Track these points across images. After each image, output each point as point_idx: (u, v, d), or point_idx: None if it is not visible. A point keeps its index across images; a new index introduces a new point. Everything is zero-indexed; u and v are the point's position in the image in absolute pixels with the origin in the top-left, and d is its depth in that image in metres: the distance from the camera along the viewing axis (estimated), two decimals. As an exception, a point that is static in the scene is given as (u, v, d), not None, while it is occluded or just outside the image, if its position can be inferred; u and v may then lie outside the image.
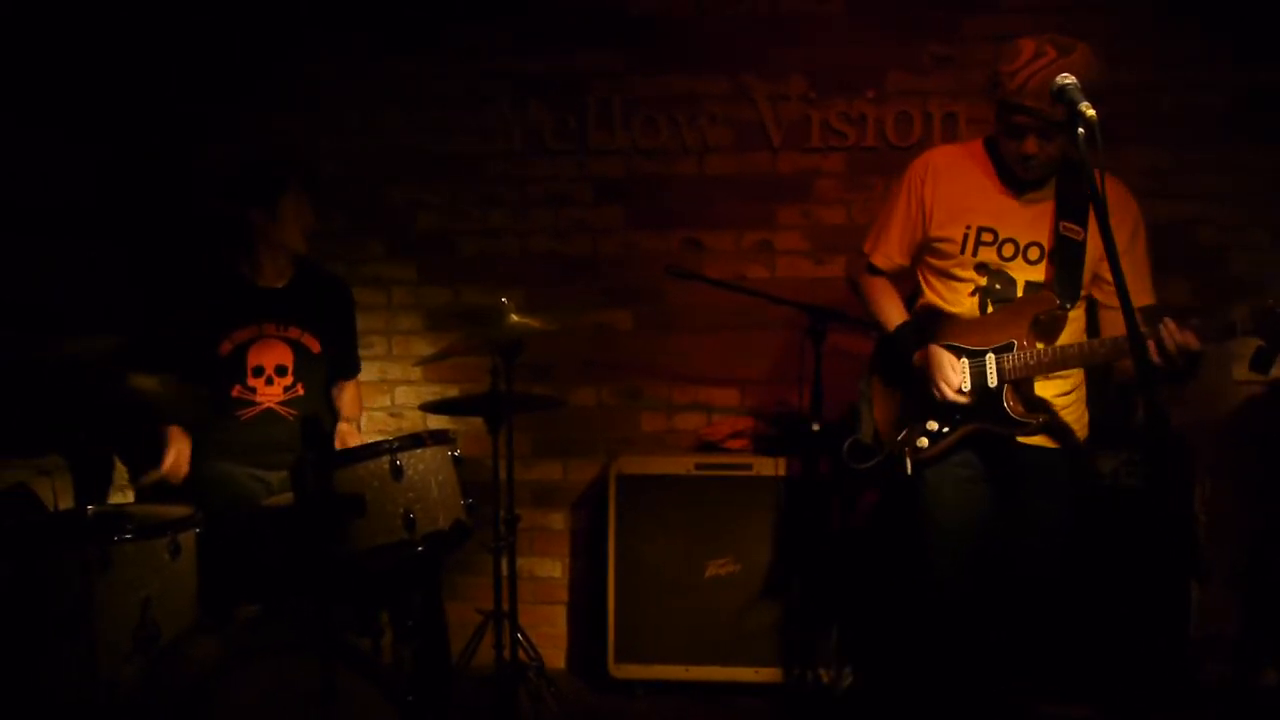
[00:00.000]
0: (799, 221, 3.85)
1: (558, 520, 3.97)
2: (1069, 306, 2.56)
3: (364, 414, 3.77)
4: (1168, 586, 3.36)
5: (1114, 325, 2.56)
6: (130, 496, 3.36)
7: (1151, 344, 2.30)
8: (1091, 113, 1.84)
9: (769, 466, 3.52)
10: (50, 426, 2.48)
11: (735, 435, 3.73)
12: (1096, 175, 1.84)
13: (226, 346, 3.13)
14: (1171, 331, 2.30)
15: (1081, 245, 2.54)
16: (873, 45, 3.75)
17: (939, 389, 2.57)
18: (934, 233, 2.64)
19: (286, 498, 2.87)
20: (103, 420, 2.33)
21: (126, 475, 3.35)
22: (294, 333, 3.22)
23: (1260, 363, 2.33)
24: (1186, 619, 3.35)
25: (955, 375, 2.57)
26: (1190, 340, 2.30)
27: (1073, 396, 2.65)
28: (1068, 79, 1.98)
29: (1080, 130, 1.85)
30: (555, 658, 3.91)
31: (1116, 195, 2.50)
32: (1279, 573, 3.42)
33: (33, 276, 3.88)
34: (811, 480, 3.37)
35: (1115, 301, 2.51)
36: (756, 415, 3.82)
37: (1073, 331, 2.62)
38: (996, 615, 2.65)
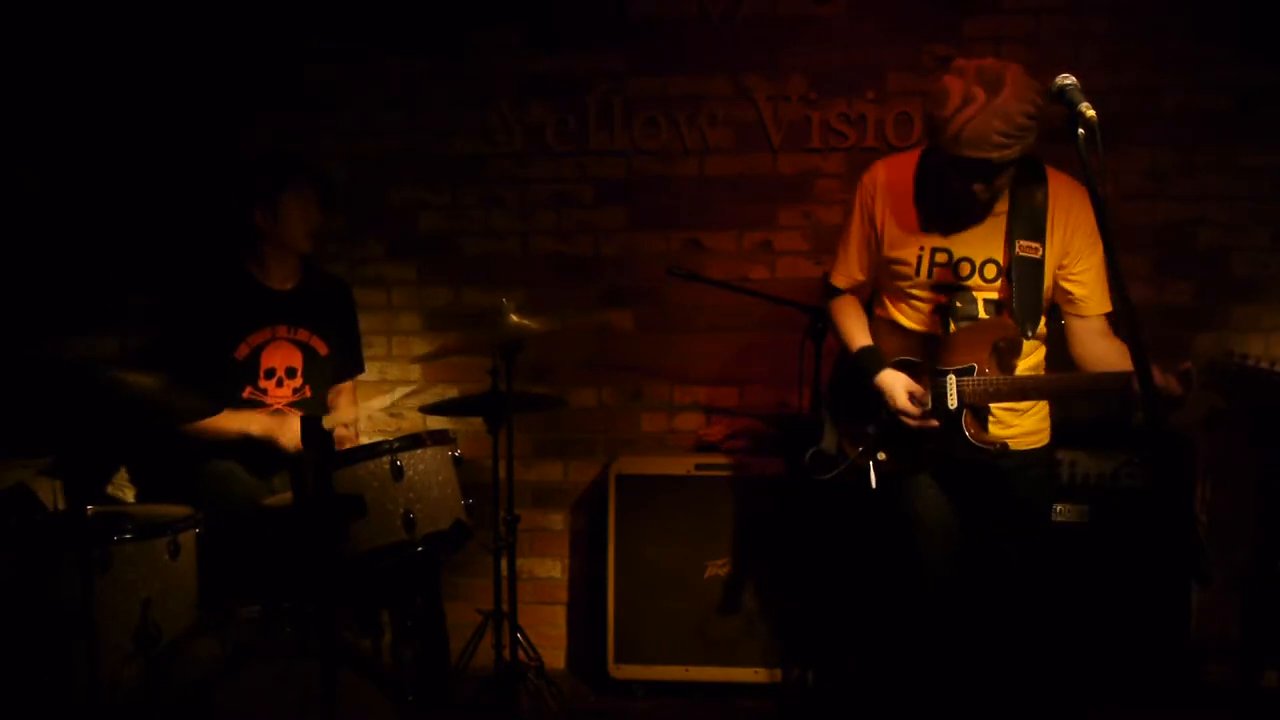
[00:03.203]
0: (799, 222, 3.85)
1: (558, 520, 3.97)
2: (1029, 334, 2.53)
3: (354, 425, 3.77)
4: (1168, 586, 3.36)
5: (1084, 341, 2.54)
6: (130, 496, 3.37)
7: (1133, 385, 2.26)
8: (1091, 113, 1.83)
9: (769, 467, 3.52)
10: (50, 426, 2.48)
11: (735, 436, 3.73)
12: (1095, 176, 1.83)
13: (243, 350, 3.14)
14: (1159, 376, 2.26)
15: (1039, 263, 2.50)
16: (873, 46, 3.75)
17: (903, 414, 2.56)
18: (888, 253, 2.62)
19: (286, 498, 2.87)
20: (103, 420, 2.32)
21: (126, 477, 3.35)
22: (304, 335, 3.24)
23: (1210, 425, 2.33)
24: (1186, 619, 3.36)
25: (916, 404, 2.55)
26: (1173, 386, 2.27)
27: (1035, 405, 2.65)
28: (1067, 79, 1.97)
29: (1080, 131, 1.84)
30: (555, 658, 3.92)
31: (1079, 197, 2.48)
32: (1279, 573, 3.42)
33: (33, 277, 3.89)
34: (811, 481, 3.37)
35: (1084, 312, 2.54)
36: (756, 416, 3.82)
37: (1032, 357, 2.61)
38: (991, 614, 2.65)
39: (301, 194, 3.16)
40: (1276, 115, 3.62)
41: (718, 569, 3.53)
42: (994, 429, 2.59)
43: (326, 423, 3.20)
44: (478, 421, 3.33)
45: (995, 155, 2.31)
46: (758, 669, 3.49)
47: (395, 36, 3.88)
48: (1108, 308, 2.54)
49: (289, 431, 3.04)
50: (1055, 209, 2.51)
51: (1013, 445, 2.59)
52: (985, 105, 2.28)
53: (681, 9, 3.80)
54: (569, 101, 3.85)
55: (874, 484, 2.63)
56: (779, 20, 3.78)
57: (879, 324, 2.74)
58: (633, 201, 3.89)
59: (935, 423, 2.54)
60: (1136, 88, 3.66)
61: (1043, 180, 2.52)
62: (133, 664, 2.38)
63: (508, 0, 3.85)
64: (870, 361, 2.67)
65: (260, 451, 3.09)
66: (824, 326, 3.12)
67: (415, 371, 3.94)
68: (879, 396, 2.61)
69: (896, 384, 2.58)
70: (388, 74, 3.89)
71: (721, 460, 3.60)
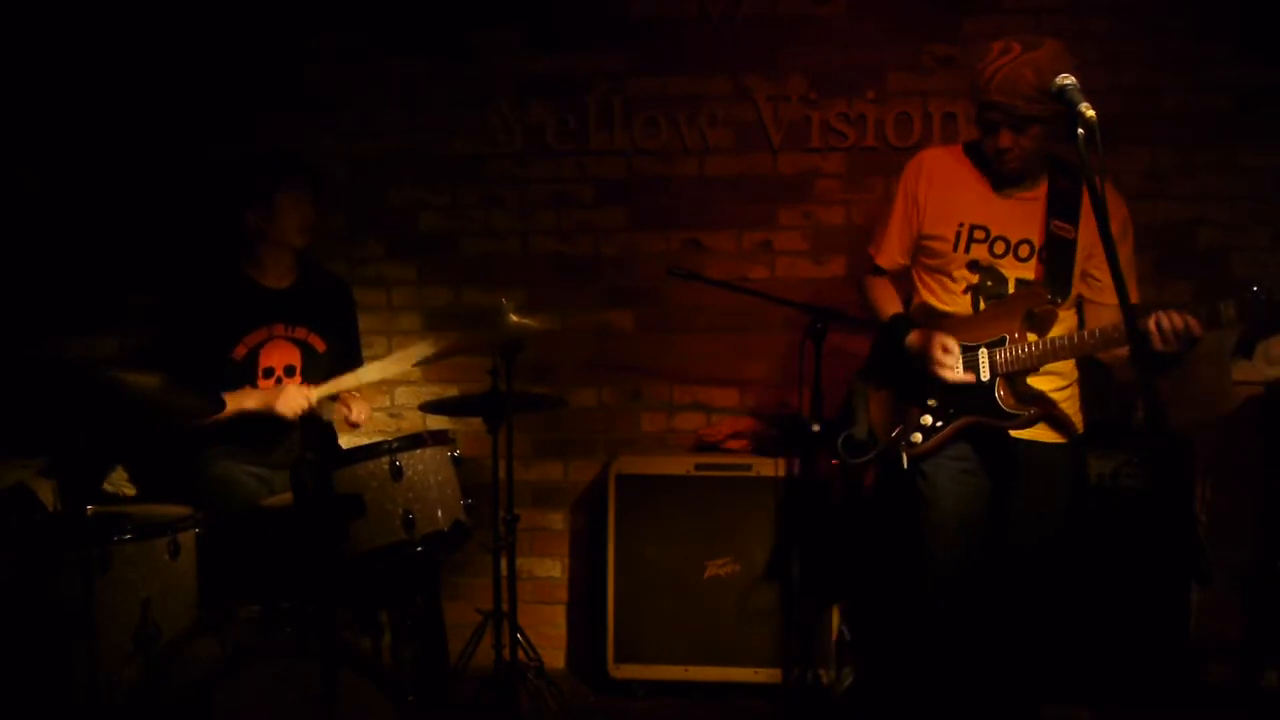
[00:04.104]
0: (799, 222, 3.85)
1: (558, 520, 3.97)
2: (1060, 301, 2.57)
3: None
4: (1168, 586, 3.36)
5: (1100, 322, 2.57)
6: (131, 492, 3.36)
7: (1153, 325, 2.33)
8: (1091, 113, 1.83)
9: (769, 467, 3.52)
10: (50, 426, 2.48)
11: (735, 435, 3.73)
12: (1095, 176, 1.83)
13: (241, 350, 3.15)
14: (1171, 316, 2.33)
15: (1072, 244, 2.57)
16: (873, 46, 3.75)
17: (938, 364, 2.58)
18: (927, 230, 2.67)
19: (286, 498, 2.87)
20: (103, 420, 2.32)
21: (125, 476, 3.35)
22: (301, 333, 3.23)
23: (1243, 349, 2.35)
24: (1186, 619, 3.35)
25: (951, 356, 2.58)
26: (1192, 324, 2.32)
27: (1067, 391, 2.66)
28: (1067, 79, 1.98)
29: (1080, 131, 1.85)
30: (555, 658, 3.91)
31: (1109, 192, 2.50)
32: (1279, 573, 3.42)
33: (33, 277, 3.89)
34: (811, 481, 3.37)
35: (1103, 298, 2.59)
36: (756, 415, 3.82)
37: (1065, 328, 2.63)
38: (996, 612, 2.65)
39: (296, 193, 3.16)
40: (1276, 115, 3.62)
41: (718, 569, 3.53)
42: (1027, 400, 2.60)
43: (333, 388, 3.17)
44: (477, 421, 3.33)
45: (1022, 104, 2.37)
46: (758, 669, 3.49)
47: (395, 36, 3.88)
48: (1134, 299, 2.54)
49: (285, 400, 3.03)
50: (1089, 196, 2.53)
51: (1039, 436, 2.62)
52: (1019, 55, 2.37)
53: (681, 9, 3.80)
54: (569, 101, 3.85)
55: (905, 464, 2.66)
56: (779, 20, 3.79)
57: (915, 312, 2.77)
58: (633, 201, 3.89)
59: (971, 376, 2.57)
60: (1136, 88, 3.66)
61: (1078, 177, 2.58)
62: (133, 664, 2.38)
63: (508, 0, 3.85)
64: (901, 325, 2.71)
65: (261, 427, 3.08)
66: (824, 326, 3.13)
67: (415, 371, 3.93)
68: (914, 357, 2.64)
69: (928, 338, 2.61)
70: (388, 74, 3.89)
71: (721, 460, 3.60)
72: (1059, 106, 2.30)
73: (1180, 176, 3.69)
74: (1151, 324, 2.34)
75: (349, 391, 3.23)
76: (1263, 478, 3.53)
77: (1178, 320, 2.32)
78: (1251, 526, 3.53)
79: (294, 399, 3.03)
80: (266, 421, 3.07)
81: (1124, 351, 2.52)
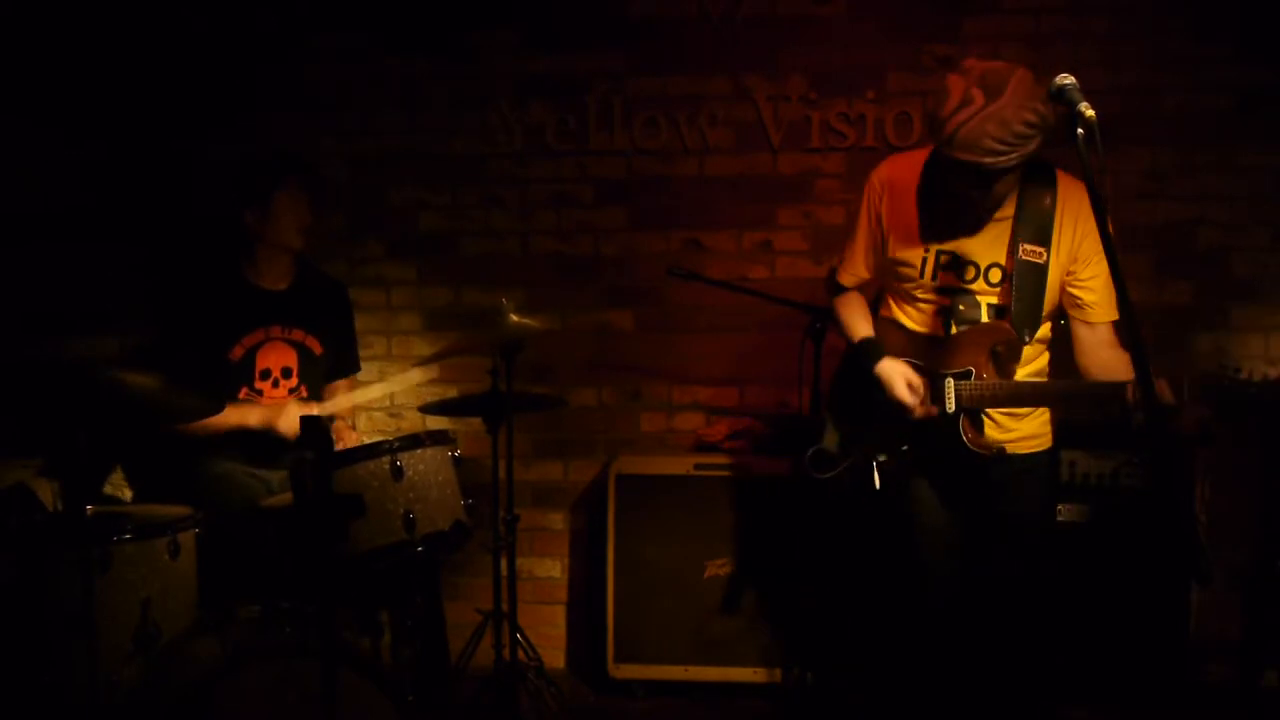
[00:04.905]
0: (799, 222, 3.85)
1: (558, 520, 3.97)
2: (1027, 340, 2.50)
3: (363, 413, 3.78)
4: (1168, 586, 3.36)
5: (1090, 349, 2.50)
6: (128, 496, 3.37)
7: (1129, 393, 2.28)
8: (1091, 113, 1.81)
9: (768, 467, 3.52)
10: (50, 426, 2.48)
11: (735, 436, 3.73)
12: (1095, 175, 1.82)
13: (238, 351, 3.15)
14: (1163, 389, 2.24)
15: (1043, 268, 2.46)
16: (873, 46, 3.75)
17: (902, 404, 2.55)
18: (892, 254, 2.60)
19: (286, 498, 2.87)
20: (102, 420, 2.32)
21: (123, 477, 3.35)
22: (298, 335, 3.24)
23: (1204, 440, 2.32)
24: (1186, 619, 3.35)
25: (917, 396, 2.54)
26: (1165, 393, 2.24)
27: (1035, 412, 2.63)
28: (1067, 79, 1.97)
29: (1080, 131, 1.84)
30: (555, 658, 3.92)
31: (1086, 207, 2.43)
32: (1279, 573, 3.42)
33: (33, 277, 3.89)
34: (811, 481, 3.36)
35: (1091, 319, 2.49)
36: (756, 416, 3.82)
37: (1035, 362, 2.60)
38: (986, 614, 2.64)
39: (292, 194, 3.16)
40: (1276, 115, 3.62)
41: (717, 569, 3.53)
42: (991, 433, 2.58)
43: (333, 408, 3.21)
44: (477, 421, 3.33)
45: (988, 160, 2.25)
46: (757, 669, 3.49)
47: (395, 36, 3.88)
48: (1115, 316, 2.49)
49: (287, 419, 3.04)
50: (1064, 214, 2.46)
51: (1011, 449, 2.59)
52: (982, 109, 2.22)
53: (681, 9, 3.80)
54: (569, 101, 3.85)
55: (877, 485, 2.62)
56: (779, 20, 3.78)
57: (883, 324, 2.73)
58: (633, 201, 3.89)
59: (935, 410, 2.53)
60: (1136, 88, 3.66)
61: (1052, 184, 2.48)
62: (133, 664, 2.38)
63: (508, 0, 3.85)
64: (871, 351, 2.66)
65: (260, 443, 3.09)
66: (824, 326, 3.12)
67: (415, 373, 3.93)
68: (879, 388, 2.61)
69: (895, 372, 2.57)
70: (388, 74, 3.89)
71: (721, 460, 3.60)
72: (1028, 147, 2.25)
73: (1180, 176, 3.69)
74: (1129, 395, 2.27)
75: (344, 421, 3.26)
76: (1263, 478, 3.53)
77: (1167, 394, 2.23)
78: (1251, 526, 3.53)
79: (296, 419, 3.03)
80: (266, 435, 3.08)
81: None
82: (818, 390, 3.13)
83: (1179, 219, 3.69)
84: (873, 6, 3.76)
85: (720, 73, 3.81)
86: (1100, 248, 2.43)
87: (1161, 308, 3.68)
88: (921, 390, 2.55)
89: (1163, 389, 2.24)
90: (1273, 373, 2.30)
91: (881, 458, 2.63)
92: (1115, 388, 2.34)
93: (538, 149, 3.88)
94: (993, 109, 2.21)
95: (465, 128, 3.90)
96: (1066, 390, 2.50)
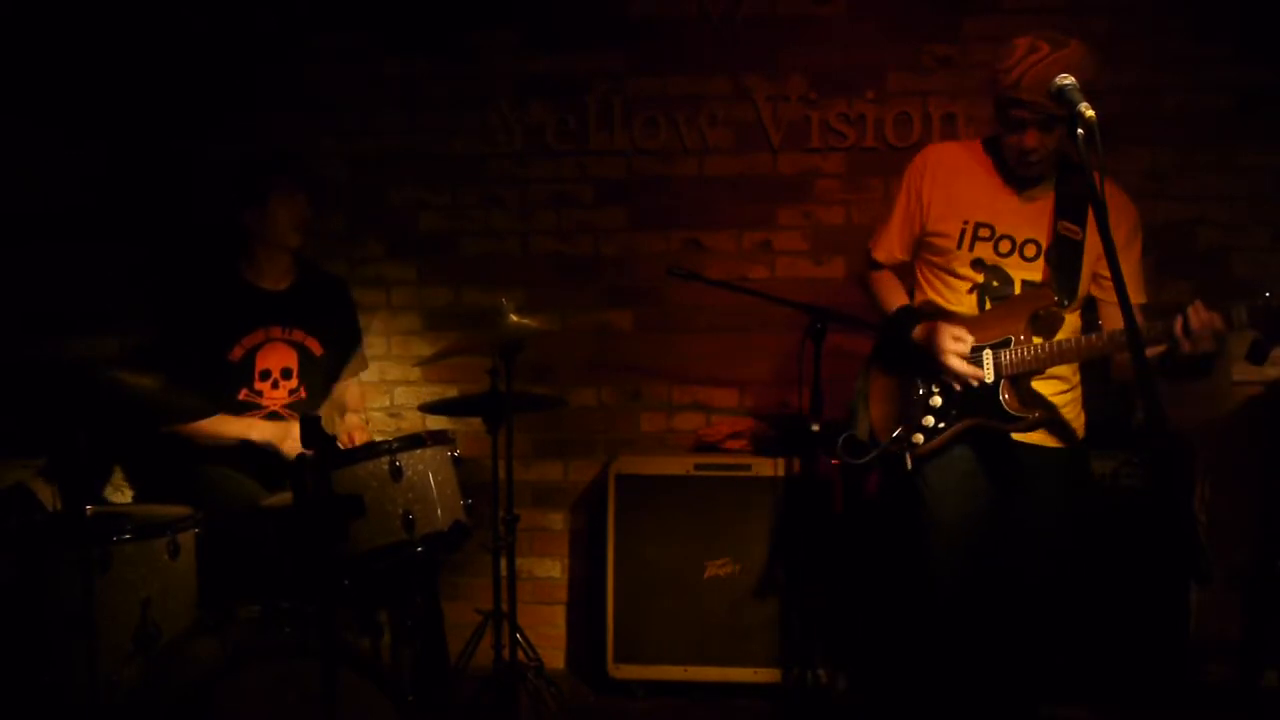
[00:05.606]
0: (799, 222, 3.85)
1: (557, 520, 3.97)
2: (1068, 304, 2.55)
3: (364, 413, 3.77)
4: (1168, 586, 3.36)
5: (1114, 321, 2.55)
6: (128, 496, 3.37)
7: (1179, 327, 2.30)
8: (1091, 113, 1.83)
9: (768, 467, 3.52)
10: (50, 426, 2.48)
11: (735, 436, 3.73)
12: (1096, 176, 1.83)
13: (237, 352, 3.14)
14: (1199, 310, 2.29)
15: (1079, 245, 2.54)
16: (873, 46, 3.75)
17: (947, 353, 2.53)
18: (931, 227, 2.65)
19: (286, 498, 2.87)
20: (102, 420, 2.32)
21: (123, 477, 3.35)
22: (298, 336, 3.23)
23: (1256, 355, 2.34)
24: (1186, 619, 3.35)
25: (963, 344, 2.54)
26: (1217, 321, 2.29)
27: (1069, 395, 2.65)
28: (1067, 79, 1.97)
29: (1080, 131, 1.84)
30: (555, 658, 3.91)
31: (1116, 199, 2.50)
32: (1279, 573, 3.42)
33: (33, 277, 3.89)
34: (811, 481, 3.37)
35: (1114, 297, 2.53)
36: (756, 416, 3.82)
37: (1070, 332, 2.62)
38: (998, 616, 2.64)
39: (290, 194, 3.16)
40: (1276, 115, 3.62)
41: (717, 569, 3.53)
42: (1031, 403, 2.58)
43: (339, 426, 3.20)
44: (477, 421, 3.33)
45: (1053, 105, 2.29)
46: (757, 669, 3.49)
47: (395, 36, 3.88)
48: (1143, 299, 2.56)
49: (291, 439, 3.03)
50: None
51: (1043, 439, 2.60)
52: (1048, 54, 2.35)
53: (681, 9, 3.80)
54: (569, 101, 3.85)
55: (909, 465, 2.63)
56: (779, 20, 3.79)
57: (917, 307, 2.74)
58: (633, 201, 3.89)
59: (981, 372, 2.54)
60: (1136, 88, 3.66)
61: (1089, 177, 2.53)
62: (132, 664, 2.38)
63: (508, 0, 3.85)
64: (908, 319, 2.67)
65: (261, 458, 3.09)
66: (824, 326, 3.13)
67: (415, 371, 3.94)
68: (922, 345, 2.60)
69: (936, 329, 2.57)
70: (388, 74, 3.89)
71: (721, 460, 3.60)
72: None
73: (1180, 176, 3.69)
74: (1178, 326, 2.30)
75: (357, 416, 3.29)
76: (1263, 478, 3.53)
77: (1204, 315, 2.28)
78: (1251, 526, 3.53)
79: (298, 441, 3.02)
80: (266, 452, 3.07)
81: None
82: (818, 390, 3.13)
83: (1179, 219, 3.69)
84: (873, 6, 3.76)
85: (720, 73, 3.81)
86: (1131, 234, 2.52)
87: (1162, 308, 3.65)
88: (967, 341, 2.55)
89: (1214, 319, 2.29)
90: None
91: (918, 438, 2.62)
92: (1161, 326, 2.35)
93: (538, 149, 3.88)
94: (1058, 55, 2.35)
95: (465, 128, 3.90)
96: (1109, 340, 2.45)
